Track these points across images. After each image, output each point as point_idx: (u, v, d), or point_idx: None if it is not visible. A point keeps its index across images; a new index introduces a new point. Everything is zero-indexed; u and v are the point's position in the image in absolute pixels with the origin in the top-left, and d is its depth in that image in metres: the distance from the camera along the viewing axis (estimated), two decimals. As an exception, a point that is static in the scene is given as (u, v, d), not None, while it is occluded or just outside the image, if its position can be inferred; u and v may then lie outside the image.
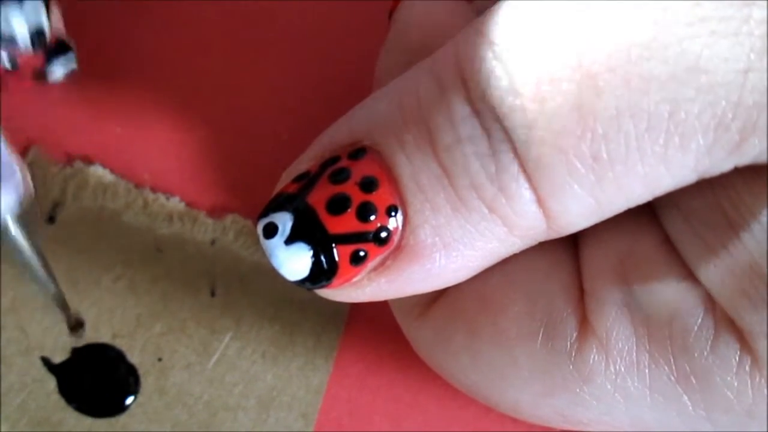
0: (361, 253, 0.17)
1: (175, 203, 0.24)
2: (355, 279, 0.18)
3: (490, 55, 0.16)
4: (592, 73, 0.15)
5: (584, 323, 0.18)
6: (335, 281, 0.17)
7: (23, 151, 0.25)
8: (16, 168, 0.14)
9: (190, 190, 0.25)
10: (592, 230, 0.19)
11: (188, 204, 0.25)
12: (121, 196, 0.24)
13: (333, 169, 0.17)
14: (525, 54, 0.16)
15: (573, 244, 0.19)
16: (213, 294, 0.24)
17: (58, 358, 0.23)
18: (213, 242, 0.24)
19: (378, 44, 0.21)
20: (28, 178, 0.15)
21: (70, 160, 0.25)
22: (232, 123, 0.25)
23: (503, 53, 0.16)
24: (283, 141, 0.25)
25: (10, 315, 0.24)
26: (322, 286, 0.18)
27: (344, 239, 0.17)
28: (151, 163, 0.25)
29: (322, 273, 0.17)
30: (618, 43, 0.15)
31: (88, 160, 0.25)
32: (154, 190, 0.25)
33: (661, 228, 0.18)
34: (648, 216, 0.18)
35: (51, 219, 0.24)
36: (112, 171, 0.25)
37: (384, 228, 0.17)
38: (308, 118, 0.22)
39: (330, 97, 0.20)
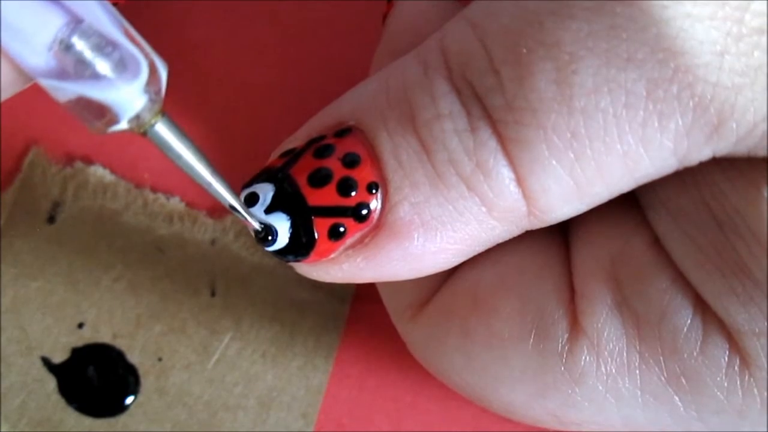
0: (341, 229, 0.17)
1: (175, 203, 0.24)
2: (332, 255, 0.18)
3: (470, 34, 0.16)
4: (570, 50, 0.15)
5: (575, 324, 0.18)
6: (313, 255, 0.18)
7: (23, 151, 0.25)
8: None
9: (190, 190, 0.25)
10: (583, 232, 0.19)
11: (188, 204, 0.25)
12: (121, 196, 0.24)
13: (318, 145, 0.18)
14: (504, 32, 0.16)
15: (565, 246, 0.19)
16: (213, 294, 0.24)
17: (58, 358, 0.24)
18: (213, 242, 0.24)
19: (377, 46, 0.21)
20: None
21: (70, 160, 0.25)
22: (233, 123, 0.25)
23: (483, 33, 0.16)
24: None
25: (10, 315, 0.24)
26: (300, 260, 0.18)
27: (323, 212, 0.17)
28: (151, 163, 0.25)
29: (300, 245, 0.17)
30: (596, 22, 0.15)
31: (88, 160, 0.25)
32: (154, 190, 0.25)
33: (651, 230, 0.18)
34: (638, 218, 0.18)
35: (51, 219, 0.24)
36: (112, 171, 0.25)
37: (364, 205, 0.17)
38: (308, 118, 0.22)
39: (330, 98, 0.20)
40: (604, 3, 0.15)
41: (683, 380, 0.17)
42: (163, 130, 0.16)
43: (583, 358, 0.17)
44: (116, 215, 0.24)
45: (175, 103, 0.25)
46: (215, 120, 0.25)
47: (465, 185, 0.17)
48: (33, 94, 0.25)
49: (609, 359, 0.17)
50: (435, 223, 0.17)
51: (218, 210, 0.25)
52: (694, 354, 0.17)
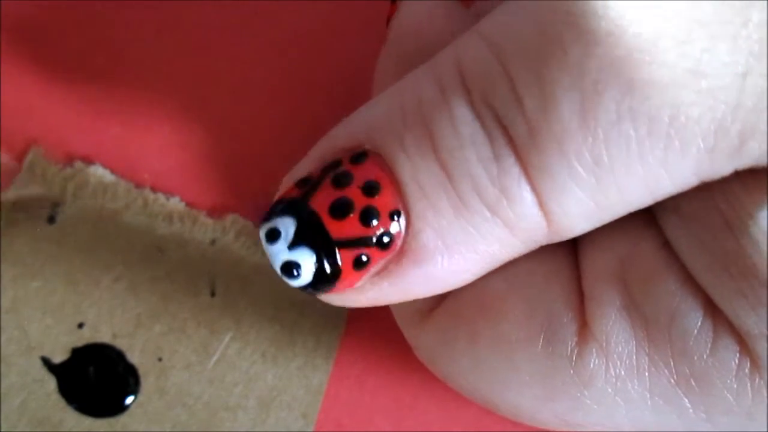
0: (364, 258, 0.17)
1: (175, 203, 0.24)
2: (358, 284, 0.18)
3: (491, 57, 0.16)
4: (594, 78, 0.15)
5: (584, 327, 0.18)
6: (338, 286, 0.17)
7: (23, 151, 0.25)
8: None
9: (190, 190, 0.25)
10: (592, 234, 0.19)
11: (188, 204, 0.25)
12: (121, 196, 0.24)
13: (335, 173, 0.17)
14: (526, 57, 0.16)
15: (573, 249, 0.19)
16: (213, 294, 0.24)
17: (58, 358, 0.23)
18: (213, 242, 0.24)
19: (380, 46, 0.21)
20: None
21: (70, 160, 0.25)
22: (233, 123, 0.25)
23: (504, 56, 0.16)
24: (284, 142, 0.25)
25: (10, 315, 0.24)
26: (325, 291, 0.18)
27: (347, 244, 0.17)
28: (151, 163, 0.25)
29: (325, 278, 0.17)
30: (620, 48, 0.15)
31: (88, 160, 0.25)
32: (154, 190, 0.25)
33: (661, 232, 0.18)
34: (647, 220, 0.18)
35: (51, 219, 0.24)
36: (112, 171, 0.25)
37: (386, 233, 0.17)
38: (308, 119, 0.22)
39: (331, 99, 0.20)
40: (627, 27, 0.15)
41: (693, 382, 0.17)
42: None
43: (592, 360, 0.17)
44: (116, 215, 0.24)
45: (175, 104, 0.25)
46: (215, 120, 0.25)
47: (489, 210, 0.16)
48: (33, 94, 0.25)
49: (618, 362, 0.17)
50: (458, 246, 0.17)
51: (218, 210, 0.25)
52: (704, 356, 0.17)
